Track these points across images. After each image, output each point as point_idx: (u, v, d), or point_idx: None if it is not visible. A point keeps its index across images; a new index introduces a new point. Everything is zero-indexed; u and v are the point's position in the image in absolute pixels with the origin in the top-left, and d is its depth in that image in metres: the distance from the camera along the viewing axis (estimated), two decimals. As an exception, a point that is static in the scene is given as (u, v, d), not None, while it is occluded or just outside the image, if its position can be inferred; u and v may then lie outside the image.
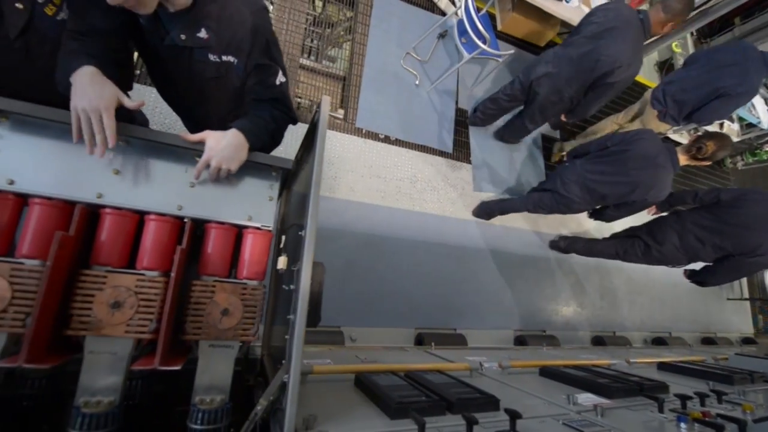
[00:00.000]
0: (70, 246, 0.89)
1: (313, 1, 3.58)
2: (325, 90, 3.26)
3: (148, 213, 1.00)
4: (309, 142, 1.35)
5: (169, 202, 1.02)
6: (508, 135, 3.69)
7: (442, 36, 3.73)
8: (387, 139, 3.19)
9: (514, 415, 1.03)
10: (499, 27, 4.05)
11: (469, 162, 3.55)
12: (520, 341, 3.36)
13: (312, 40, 3.42)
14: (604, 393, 1.54)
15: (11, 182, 0.90)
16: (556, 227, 3.89)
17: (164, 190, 1.02)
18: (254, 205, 1.10)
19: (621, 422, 1.28)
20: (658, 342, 4.21)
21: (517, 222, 3.67)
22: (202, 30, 1.16)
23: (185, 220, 1.03)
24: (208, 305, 1.01)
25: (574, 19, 3.44)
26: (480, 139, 3.67)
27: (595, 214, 3.29)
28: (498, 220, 3.51)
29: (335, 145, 2.97)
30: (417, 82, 3.46)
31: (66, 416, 0.92)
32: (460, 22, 3.01)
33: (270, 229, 1.12)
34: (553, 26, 4.10)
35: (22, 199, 0.92)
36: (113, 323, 0.91)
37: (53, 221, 0.92)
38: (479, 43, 2.83)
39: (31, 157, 0.92)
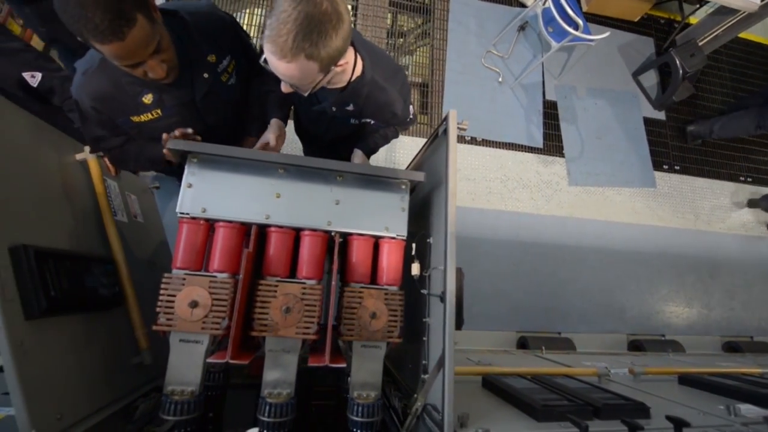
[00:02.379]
0: (251, 260, 1.05)
1: (392, 15, 3.71)
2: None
3: (303, 229, 1.14)
4: (429, 154, 1.41)
5: (320, 219, 1.13)
6: (723, 133, 3.59)
7: (522, 28, 3.60)
8: (473, 141, 3.17)
9: (680, 423, 0.97)
10: (585, 8, 3.79)
11: (563, 156, 3.36)
12: (635, 346, 3.06)
13: (389, 52, 3.54)
14: (770, 405, 1.35)
15: (204, 210, 1.08)
16: (667, 218, 3.49)
17: (315, 209, 1.15)
18: (389, 217, 1.18)
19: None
20: (816, 349, 3.52)
21: (619, 215, 3.37)
22: (351, 105, 1.30)
23: (333, 233, 1.15)
24: (359, 310, 1.11)
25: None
26: (572, 130, 3.46)
27: None
28: (598, 214, 3.27)
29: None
30: (500, 79, 3.39)
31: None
32: (546, 11, 2.89)
33: (404, 237, 1.19)
34: (649, -2, 3.73)
35: (210, 224, 1.11)
36: (286, 326, 1.05)
37: (234, 240, 1.07)
38: (570, 30, 2.69)
39: (215, 188, 1.10)
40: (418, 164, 1.56)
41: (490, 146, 3.21)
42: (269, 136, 1.34)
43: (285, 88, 1.10)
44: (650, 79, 3.81)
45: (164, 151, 1.13)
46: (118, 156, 1.37)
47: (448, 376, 0.95)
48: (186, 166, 1.09)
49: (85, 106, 1.19)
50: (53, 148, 1.26)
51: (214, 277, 1.05)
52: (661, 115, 3.78)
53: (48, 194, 1.17)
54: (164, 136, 1.13)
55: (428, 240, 1.25)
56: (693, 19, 3.96)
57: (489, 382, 1.37)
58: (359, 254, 1.16)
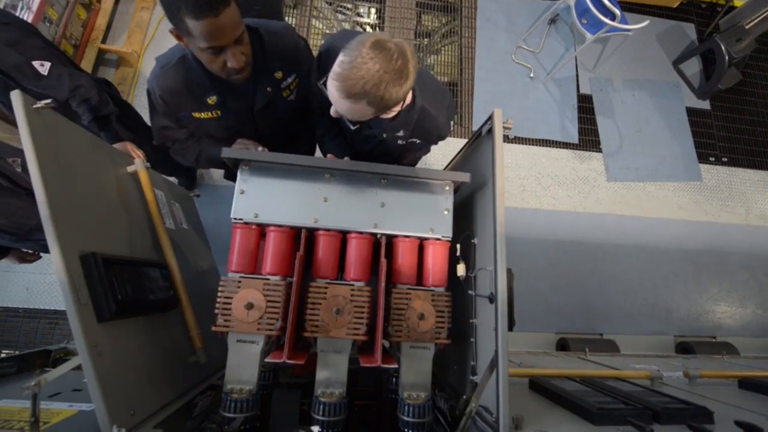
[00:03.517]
0: (302, 263, 1.07)
1: (417, 15, 3.71)
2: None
3: (350, 232, 1.15)
4: (470, 153, 1.40)
5: (367, 221, 1.15)
6: None
7: (553, 21, 3.51)
8: (506, 138, 3.11)
9: (751, 429, 0.91)
10: (619, -3, 3.65)
11: (600, 151, 3.25)
12: (684, 348, 2.91)
13: (417, 53, 3.54)
14: None
15: (256, 215, 1.11)
16: (715, 214, 3.30)
17: (361, 212, 1.15)
18: (434, 218, 1.18)
19: None
20: None
21: (662, 211, 3.22)
22: (401, 131, 1.32)
23: (379, 235, 1.17)
24: (407, 311, 1.11)
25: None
26: (609, 124, 3.34)
27: None
28: (640, 210, 3.13)
29: (453, 152, 3.00)
30: (531, 75, 3.32)
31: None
32: (579, 2, 2.81)
33: (449, 239, 1.19)
34: (690, -18, 3.55)
35: (262, 228, 1.15)
36: (337, 326, 1.07)
37: (285, 244, 1.11)
38: (606, 20, 2.60)
39: (266, 194, 1.13)
40: (458, 164, 1.56)
41: (522, 143, 3.15)
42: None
43: (334, 113, 1.14)
44: (693, 67, 3.62)
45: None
46: (180, 150, 1.46)
47: (503, 378, 0.94)
48: (238, 173, 1.13)
49: (155, 97, 1.28)
50: (108, 162, 1.35)
51: (268, 279, 1.09)
52: (705, 105, 3.58)
53: (106, 205, 1.25)
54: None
55: (473, 241, 1.24)
56: (738, 2, 3.74)
57: (536, 384, 1.34)
58: (405, 256, 1.17)
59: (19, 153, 1.37)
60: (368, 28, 3.54)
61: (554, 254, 2.94)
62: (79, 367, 1.03)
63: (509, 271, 1.05)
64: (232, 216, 1.11)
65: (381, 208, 1.17)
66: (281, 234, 1.11)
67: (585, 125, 3.29)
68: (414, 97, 1.20)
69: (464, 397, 1.15)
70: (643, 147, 3.34)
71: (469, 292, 1.20)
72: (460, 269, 1.20)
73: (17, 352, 1.57)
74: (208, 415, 1.25)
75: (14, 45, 1.45)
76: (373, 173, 1.17)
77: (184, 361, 1.29)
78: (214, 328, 1.05)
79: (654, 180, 3.26)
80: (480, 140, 1.24)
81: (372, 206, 1.16)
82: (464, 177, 1.18)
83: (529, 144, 3.15)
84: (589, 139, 3.26)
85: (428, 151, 1.60)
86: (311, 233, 1.16)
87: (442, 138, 1.41)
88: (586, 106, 3.34)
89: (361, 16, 3.57)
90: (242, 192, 1.12)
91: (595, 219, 3.07)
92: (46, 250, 1.76)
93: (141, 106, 2.18)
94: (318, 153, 2.34)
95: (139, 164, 1.43)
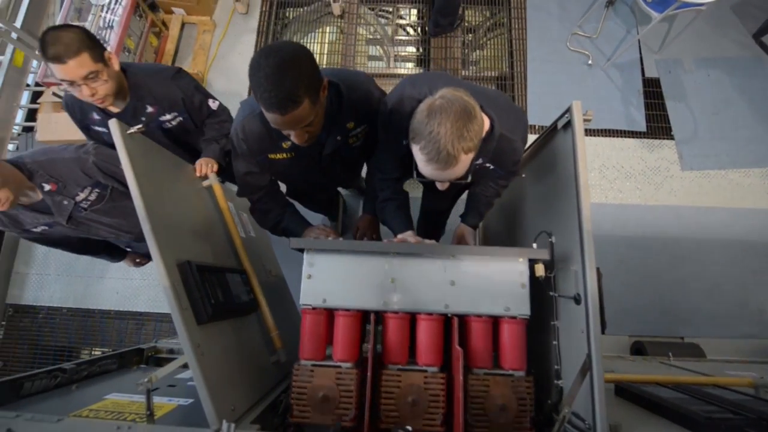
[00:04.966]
0: (373, 355, 1.05)
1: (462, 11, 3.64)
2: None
3: (419, 313, 1.09)
4: (543, 148, 1.35)
5: (437, 302, 1.09)
6: None
7: (611, 3, 3.30)
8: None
9: None
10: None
11: (671, 138, 2.99)
12: (784, 353, 2.59)
13: (464, 50, 3.47)
14: None
15: (324, 300, 1.09)
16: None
17: (431, 291, 1.10)
18: (509, 295, 1.10)
19: None
20: None
21: (748, 200, 2.89)
22: (479, 159, 1.28)
23: (450, 316, 1.10)
24: (486, 400, 1.03)
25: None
26: (681, 108, 3.06)
27: None
28: (722, 200, 2.84)
29: (507, 147, 2.91)
30: (589, 62, 3.14)
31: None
32: (643, -19, 2.61)
33: (527, 317, 1.10)
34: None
35: (330, 312, 1.11)
36: (413, 417, 1.01)
37: (354, 329, 1.09)
38: (677, -4, 2.39)
39: (332, 277, 1.11)
40: (526, 161, 1.51)
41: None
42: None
43: (443, 186, 1.16)
44: (779, 38, 3.23)
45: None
46: (263, 209, 1.56)
47: (598, 384, 0.89)
48: (305, 257, 1.13)
49: (238, 140, 1.36)
50: (188, 178, 1.46)
51: (339, 367, 1.07)
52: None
53: (191, 217, 1.35)
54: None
55: (550, 239, 1.20)
56: (833, -41, 3.28)
57: (624, 390, 1.26)
58: (479, 338, 1.09)
59: None
60: (410, 30, 3.55)
61: (624, 251, 2.75)
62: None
63: (597, 270, 1.00)
64: (300, 302, 1.11)
65: (451, 286, 1.10)
66: (350, 319, 1.09)
67: (653, 111, 3.05)
68: (492, 124, 1.16)
69: (549, 401, 1.11)
70: (723, 131, 3.03)
71: (550, 293, 1.15)
72: (539, 269, 1.15)
73: (111, 351, 1.74)
74: (291, 413, 1.31)
75: (198, 86, 1.66)
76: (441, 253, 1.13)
77: (266, 361, 1.37)
78: (291, 419, 1.05)
79: (737, 167, 2.94)
80: (555, 134, 1.19)
81: (441, 285, 1.10)
82: (542, 254, 1.10)
83: (591, 135, 2.98)
84: (658, 125, 3.02)
85: (506, 185, 1.52)
86: (379, 315, 1.12)
87: (517, 165, 1.34)
88: (653, 91, 3.09)
89: (403, 18, 3.58)
90: (309, 277, 1.11)
91: (670, 212, 2.83)
92: None
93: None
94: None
95: (213, 179, 1.55)
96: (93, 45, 1.35)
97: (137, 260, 2.01)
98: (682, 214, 2.83)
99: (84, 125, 1.66)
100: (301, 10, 3.51)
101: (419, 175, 1.09)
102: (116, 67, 1.45)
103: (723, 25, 3.29)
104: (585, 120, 1.06)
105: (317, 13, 3.50)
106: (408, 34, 3.58)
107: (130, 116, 1.53)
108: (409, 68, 3.46)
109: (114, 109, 1.52)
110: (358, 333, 1.10)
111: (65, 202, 1.37)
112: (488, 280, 1.10)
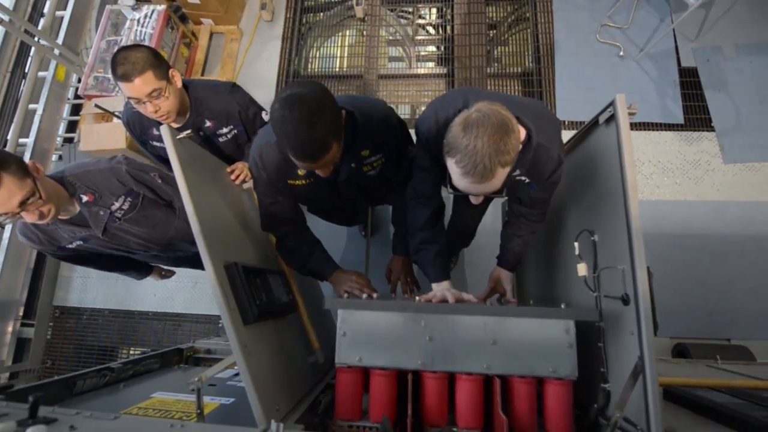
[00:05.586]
0: (412, 421, 0.99)
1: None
2: (508, 88, 3.18)
3: (459, 373, 1.05)
4: (584, 143, 1.31)
5: (477, 362, 1.05)
6: None
7: (643, -8, 3.18)
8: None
9: None
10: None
11: (712, 129, 2.85)
12: (843, 356, 2.42)
13: (486, 48, 3.41)
14: None
15: (359, 359, 1.06)
16: None
17: (471, 351, 1.06)
18: (554, 356, 1.04)
19: None
20: None
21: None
22: (516, 171, 1.23)
23: (492, 376, 1.05)
24: None
25: None
26: (722, 98, 2.91)
27: None
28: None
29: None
30: (621, 54, 3.03)
31: None
32: (679, -33, 2.50)
33: (574, 378, 1.04)
34: None
35: (365, 370, 1.08)
36: None
37: (390, 389, 1.05)
38: (717, -19, 2.28)
39: (367, 335, 1.08)
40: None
41: (615, 129, 2.88)
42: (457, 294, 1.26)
43: (476, 200, 1.16)
44: (829, 19, 3.03)
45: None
46: (292, 246, 1.52)
47: (652, 389, 0.86)
48: (339, 314, 1.11)
49: (257, 170, 1.37)
50: (228, 181, 1.50)
51: (377, 429, 1.04)
52: None
53: (233, 219, 1.38)
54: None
55: (593, 238, 1.16)
56: None
57: (674, 394, 1.21)
58: (523, 400, 1.03)
59: (156, 168, 1.56)
60: (431, 29, 3.52)
61: (662, 249, 2.63)
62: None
63: (648, 270, 0.96)
64: (336, 361, 1.09)
65: (492, 345, 1.05)
66: (386, 379, 1.06)
67: (691, 102, 2.91)
68: (529, 134, 1.12)
69: (595, 405, 1.08)
70: (763, 120, 2.86)
71: (594, 294, 1.11)
72: (582, 269, 1.12)
73: (151, 350, 1.80)
74: (330, 412, 1.33)
75: (252, 99, 1.73)
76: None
77: (304, 361, 1.39)
78: None
79: (785, 157, 2.77)
80: (596, 129, 1.16)
81: (482, 344, 1.06)
82: (591, 315, 1.06)
83: (624, 129, 2.88)
84: (697, 117, 2.88)
85: (542, 217, 1.43)
86: (417, 375, 1.08)
87: (554, 176, 1.25)
88: (690, 81, 2.96)
89: (423, 18, 3.56)
90: (344, 334, 1.09)
91: (713, 207, 2.69)
92: (178, 264, 2.01)
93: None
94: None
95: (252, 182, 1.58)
96: (158, 63, 1.42)
97: (162, 273, 2.07)
98: (726, 209, 2.69)
99: (142, 141, 1.75)
100: (322, 15, 3.56)
101: (453, 187, 1.08)
102: (179, 84, 1.53)
103: (765, 7, 3.11)
104: (630, 113, 1.02)
105: (339, 17, 3.53)
106: (428, 33, 3.56)
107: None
108: (430, 68, 3.44)
109: (175, 125, 1.59)
110: (394, 393, 1.07)
111: (101, 213, 1.42)
112: (532, 340, 1.05)
